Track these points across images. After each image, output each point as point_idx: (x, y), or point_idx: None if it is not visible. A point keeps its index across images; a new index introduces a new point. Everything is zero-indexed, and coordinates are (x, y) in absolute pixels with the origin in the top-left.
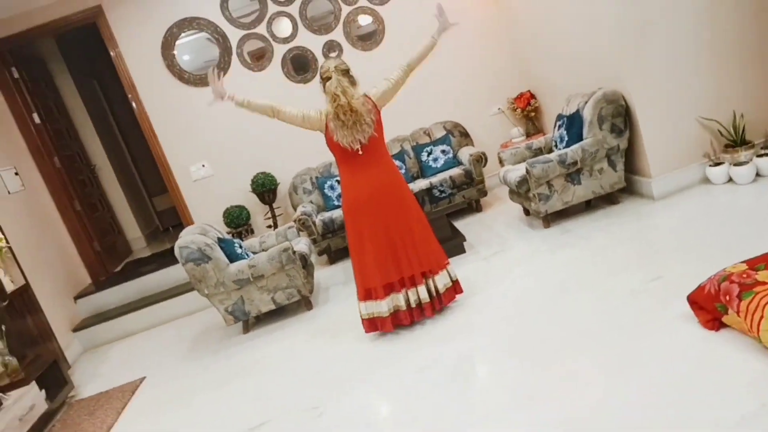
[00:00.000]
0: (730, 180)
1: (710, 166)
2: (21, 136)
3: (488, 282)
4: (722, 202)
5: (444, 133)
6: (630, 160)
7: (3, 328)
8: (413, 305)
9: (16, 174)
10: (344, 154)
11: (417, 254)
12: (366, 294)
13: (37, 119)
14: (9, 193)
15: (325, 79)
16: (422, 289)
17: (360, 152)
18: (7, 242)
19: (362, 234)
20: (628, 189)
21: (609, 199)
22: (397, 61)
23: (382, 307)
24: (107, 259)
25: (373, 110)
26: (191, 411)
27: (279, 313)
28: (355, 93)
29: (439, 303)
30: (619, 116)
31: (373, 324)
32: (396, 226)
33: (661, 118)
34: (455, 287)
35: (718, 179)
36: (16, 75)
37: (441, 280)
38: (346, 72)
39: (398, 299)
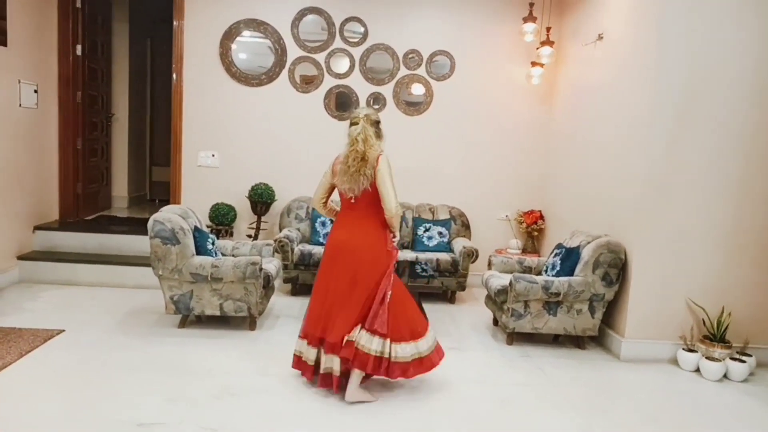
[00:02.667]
0: (698, 370)
1: (683, 349)
2: (57, 61)
3: (432, 374)
4: (683, 389)
5: (448, 217)
6: (609, 312)
7: None
8: (322, 371)
9: (36, 92)
10: (344, 198)
11: (348, 320)
12: (304, 333)
13: (78, 51)
14: (20, 105)
15: (352, 123)
16: (331, 359)
17: (353, 200)
18: None
19: (324, 276)
20: (598, 339)
21: (576, 341)
22: (430, 134)
23: (310, 353)
24: (84, 205)
25: (374, 171)
26: (87, 385)
27: (221, 321)
28: (375, 145)
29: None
30: (615, 267)
31: (299, 363)
32: (345, 287)
33: (654, 285)
34: (427, 360)
35: (686, 365)
36: (78, 4)
37: (402, 349)
38: (375, 123)
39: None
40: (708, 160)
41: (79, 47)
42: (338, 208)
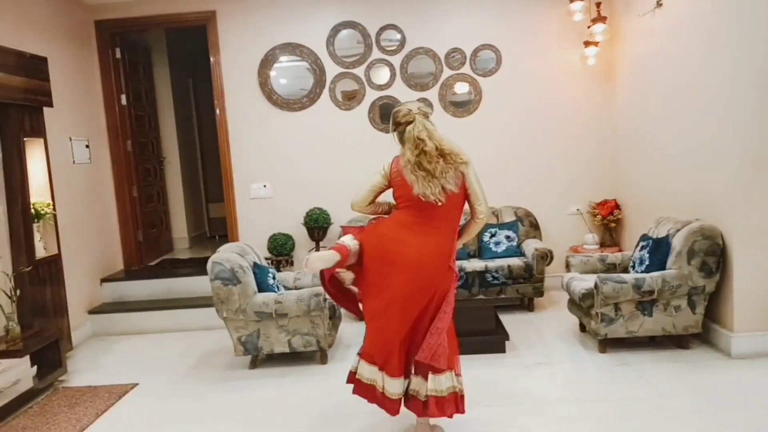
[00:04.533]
0: None
1: None
2: (104, 113)
3: (520, 395)
4: None
5: (514, 219)
6: (712, 305)
7: (18, 292)
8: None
9: (87, 147)
10: (414, 202)
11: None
12: (370, 358)
13: (124, 101)
14: (74, 162)
15: (404, 123)
16: (419, 381)
17: (438, 203)
18: (54, 209)
19: (382, 291)
20: (702, 336)
21: (678, 341)
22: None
23: (394, 387)
24: (146, 251)
25: (460, 173)
26: None
27: (291, 357)
28: (444, 138)
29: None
30: (713, 255)
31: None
32: (414, 308)
33: (762, 269)
34: (454, 402)
35: None
36: (118, 55)
37: (438, 383)
38: (427, 116)
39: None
40: None
41: (123, 97)
42: (388, 204)
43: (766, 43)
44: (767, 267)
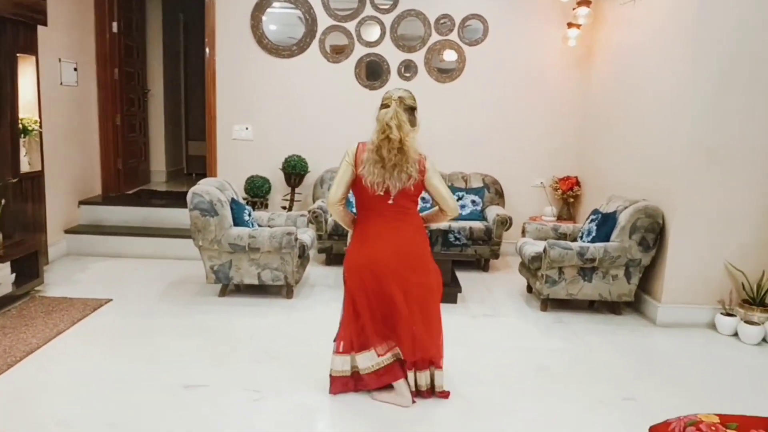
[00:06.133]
0: (736, 335)
1: (721, 314)
2: (94, 39)
3: (466, 341)
4: (720, 353)
5: (481, 185)
6: (646, 278)
7: (2, 201)
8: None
9: (75, 70)
10: (368, 198)
11: (421, 339)
12: (350, 345)
13: (114, 28)
14: (61, 83)
15: (383, 105)
16: (423, 375)
17: (390, 201)
18: (40, 127)
19: (364, 298)
20: (633, 305)
21: (612, 307)
22: (462, 101)
23: (374, 360)
24: (124, 180)
25: (421, 171)
26: (136, 349)
27: (259, 289)
28: (411, 133)
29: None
30: (652, 232)
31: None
32: (405, 304)
33: (692, 249)
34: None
35: (724, 330)
36: None
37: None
38: (410, 109)
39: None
40: (752, 123)
41: (114, 25)
42: (354, 214)
43: (724, 43)
44: (698, 249)
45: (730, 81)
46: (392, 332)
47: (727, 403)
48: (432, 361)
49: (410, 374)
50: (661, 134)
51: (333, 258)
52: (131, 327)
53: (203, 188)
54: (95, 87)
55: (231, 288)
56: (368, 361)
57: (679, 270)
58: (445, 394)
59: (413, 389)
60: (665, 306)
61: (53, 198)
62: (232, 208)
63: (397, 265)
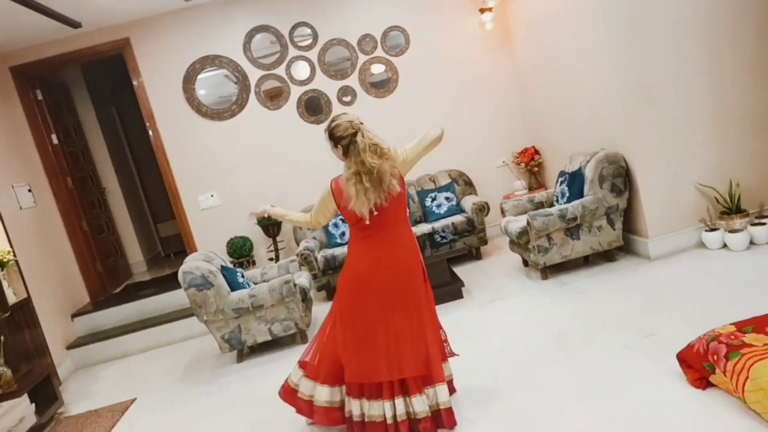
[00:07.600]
0: (725, 246)
1: (706, 231)
2: (38, 155)
3: (482, 330)
4: (716, 267)
5: (449, 180)
6: (628, 219)
7: (1, 338)
8: (398, 419)
9: (30, 191)
10: (358, 219)
11: (414, 356)
12: (315, 374)
13: (55, 140)
14: (21, 208)
15: (350, 135)
16: (419, 400)
17: (377, 215)
18: (14, 255)
19: (359, 317)
20: (625, 248)
21: (606, 256)
22: (405, 109)
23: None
24: (108, 281)
25: (401, 183)
26: None
27: (274, 344)
28: (390, 149)
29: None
30: (620, 177)
31: (305, 406)
32: (398, 321)
33: (660, 181)
34: (443, 416)
35: (713, 244)
36: (39, 97)
37: (420, 404)
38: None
39: (376, 408)
40: (675, 51)
41: (53, 136)
42: None
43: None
44: (666, 179)
45: (640, 23)
46: (367, 353)
47: (736, 310)
48: (426, 380)
49: (398, 401)
50: (597, 89)
51: (332, 292)
52: (165, 419)
53: (192, 265)
54: (54, 201)
55: (246, 351)
56: (326, 395)
57: (655, 203)
58: (450, 419)
59: (403, 419)
60: (654, 240)
61: (47, 319)
62: (224, 276)
63: (386, 280)
